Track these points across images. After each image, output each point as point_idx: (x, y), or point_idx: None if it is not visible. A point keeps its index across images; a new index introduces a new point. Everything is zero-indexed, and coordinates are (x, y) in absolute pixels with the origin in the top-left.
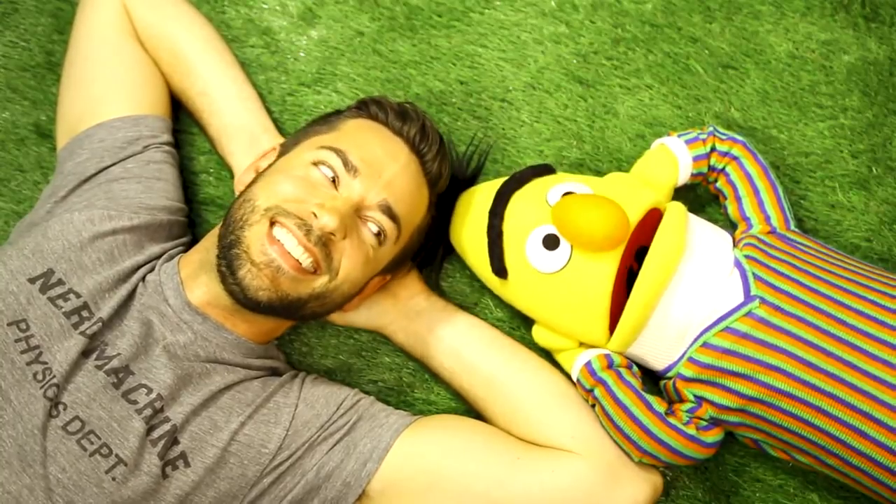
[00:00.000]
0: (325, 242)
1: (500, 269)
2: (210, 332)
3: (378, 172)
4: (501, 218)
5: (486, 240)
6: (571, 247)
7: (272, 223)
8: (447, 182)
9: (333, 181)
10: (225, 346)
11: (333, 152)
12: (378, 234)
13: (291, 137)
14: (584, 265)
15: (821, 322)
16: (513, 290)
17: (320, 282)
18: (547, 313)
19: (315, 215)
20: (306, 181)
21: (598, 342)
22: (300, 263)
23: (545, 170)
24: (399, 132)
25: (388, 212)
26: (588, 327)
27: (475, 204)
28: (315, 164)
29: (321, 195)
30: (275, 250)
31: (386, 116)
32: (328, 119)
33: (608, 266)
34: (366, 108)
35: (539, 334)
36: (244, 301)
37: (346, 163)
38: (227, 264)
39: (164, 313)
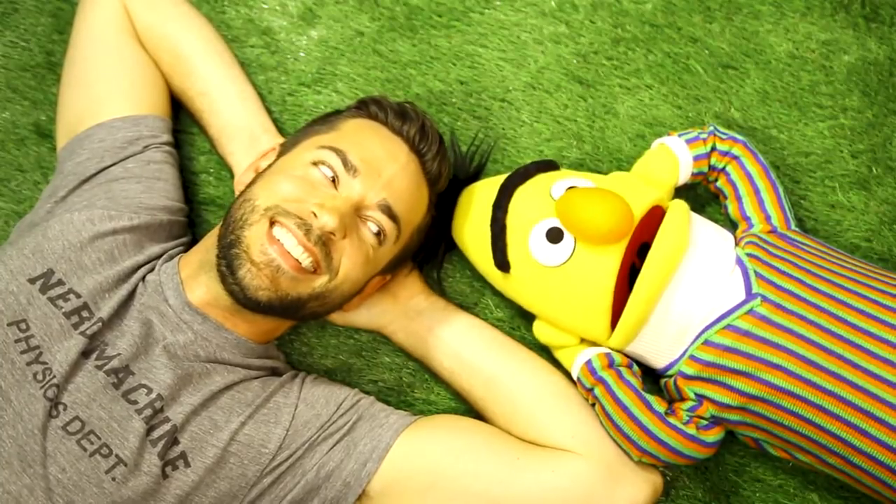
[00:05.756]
0: (324, 242)
1: (502, 263)
2: (210, 332)
3: (378, 172)
4: (505, 211)
5: (488, 234)
6: (575, 240)
7: (272, 223)
8: (447, 181)
9: (333, 181)
10: (225, 346)
11: (333, 152)
12: (378, 234)
13: (291, 137)
14: (588, 259)
15: (822, 320)
16: (515, 285)
17: (320, 281)
18: (549, 308)
19: (315, 215)
20: (306, 181)
21: (599, 338)
22: (300, 263)
23: (549, 165)
24: (399, 132)
25: (388, 211)
26: (590, 322)
27: (478, 198)
28: (315, 163)
29: (321, 195)
30: (274, 250)
31: (385, 116)
32: (328, 119)
33: (611, 260)
34: (365, 107)
35: (540, 330)
36: (244, 301)
37: (345, 162)
38: (227, 264)
39: (164, 313)
